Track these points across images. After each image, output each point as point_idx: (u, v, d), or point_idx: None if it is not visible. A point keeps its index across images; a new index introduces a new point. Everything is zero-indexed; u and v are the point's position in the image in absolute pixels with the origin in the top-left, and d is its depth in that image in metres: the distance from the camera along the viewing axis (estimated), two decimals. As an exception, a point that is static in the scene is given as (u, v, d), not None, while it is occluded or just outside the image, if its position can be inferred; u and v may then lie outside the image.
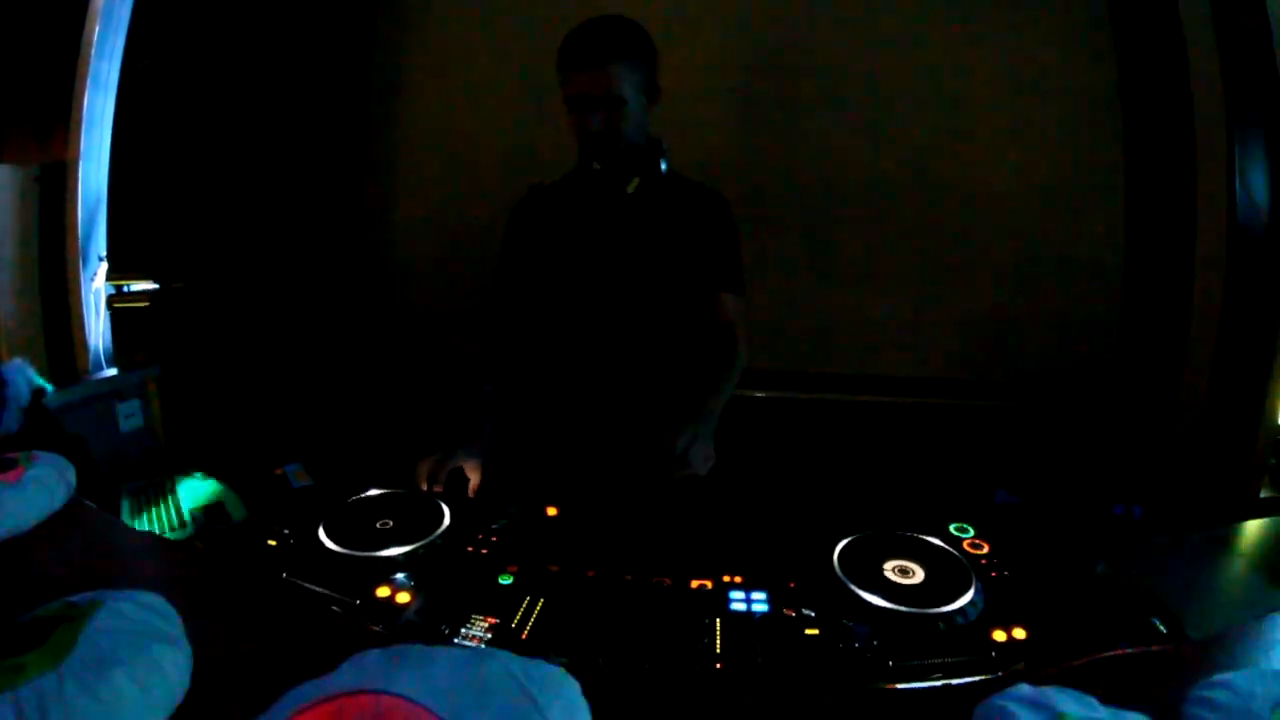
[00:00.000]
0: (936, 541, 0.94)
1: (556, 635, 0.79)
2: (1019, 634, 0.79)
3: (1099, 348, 2.15)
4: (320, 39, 2.28)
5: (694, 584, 0.88)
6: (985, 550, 0.96)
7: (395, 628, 0.79)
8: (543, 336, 1.51)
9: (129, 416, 1.52)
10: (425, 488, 1.16)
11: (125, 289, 1.92)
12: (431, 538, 0.96)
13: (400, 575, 0.89)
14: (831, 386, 2.23)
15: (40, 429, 1.21)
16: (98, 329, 1.89)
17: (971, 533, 1.00)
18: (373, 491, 1.08)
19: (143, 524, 1.15)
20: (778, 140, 2.19)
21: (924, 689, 0.70)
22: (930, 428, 2.17)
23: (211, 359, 2.03)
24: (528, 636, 0.79)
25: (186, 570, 0.82)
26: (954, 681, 0.72)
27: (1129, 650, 0.69)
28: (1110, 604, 0.85)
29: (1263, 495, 1.82)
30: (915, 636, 0.79)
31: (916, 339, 2.23)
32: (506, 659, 0.54)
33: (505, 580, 0.89)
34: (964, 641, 0.78)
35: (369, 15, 2.35)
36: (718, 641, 0.78)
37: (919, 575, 0.88)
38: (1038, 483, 2.00)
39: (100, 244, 1.92)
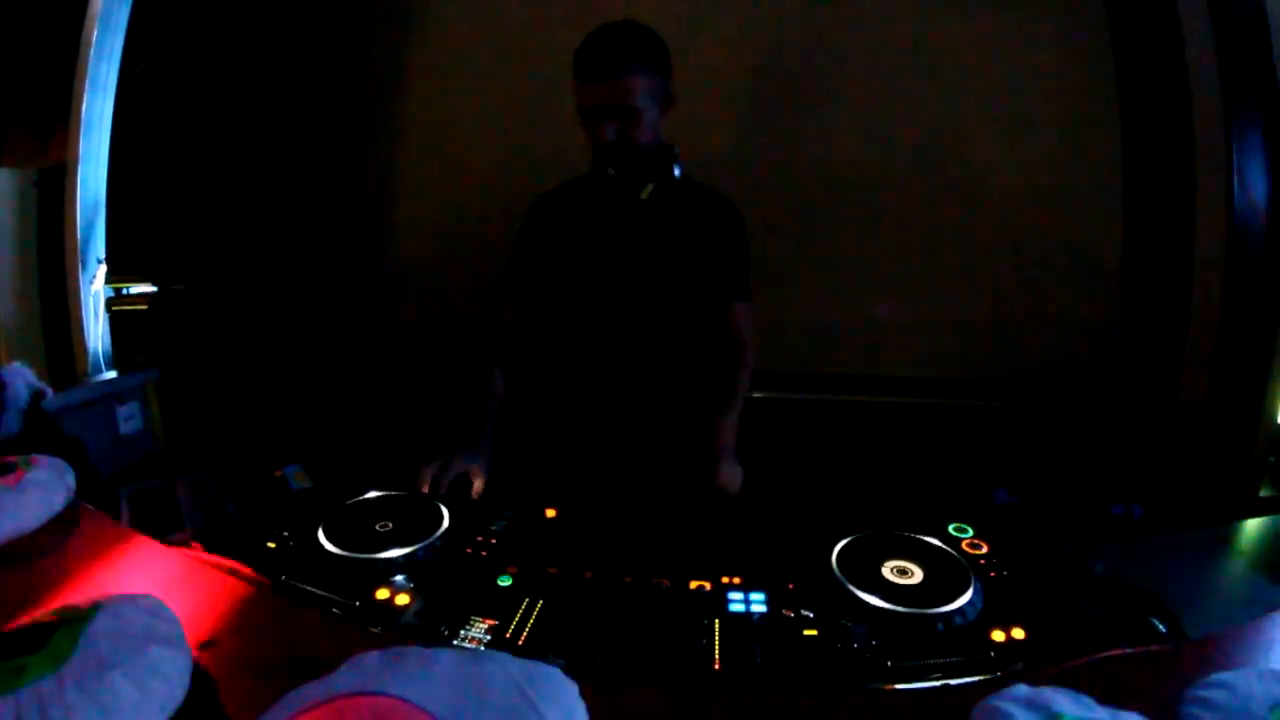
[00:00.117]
0: (935, 542, 0.95)
1: (555, 637, 0.79)
2: (1018, 634, 0.79)
3: (1098, 348, 2.15)
4: (319, 40, 2.28)
5: (693, 585, 0.88)
6: (984, 550, 0.96)
7: (395, 629, 0.80)
8: (555, 342, 1.51)
9: (128, 419, 1.52)
10: (427, 493, 1.16)
11: (124, 291, 1.92)
12: (431, 540, 0.96)
13: (399, 577, 0.89)
14: (831, 387, 2.23)
15: (39, 432, 1.21)
16: (97, 332, 1.89)
17: (970, 533, 1.00)
18: (372, 494, 1.08)
19: (142, 527, 1.15)
20: (778, 140, 2.19)
21: (923, 689, 0.70)
22: (930, 428, 2.17)
23: (211, 361, 2.03)
24: (527, 638, 0.79)
25: (185, 573, 0.82)
26: (952, 682, 0.72)
27: (1128, 650, 0.69)
28: (1109, 604, 0.85)
29: (1262, 494, 1.82)
30: (914, 637, 0.79)
31: (916, 339, 2.23)
32: (505, 660, 0.54)
33: (504, 582, 0.89)
34: (963, 642, 0.78)
35: (368, 16, 2.35)
36: (716, 643, 0.78)
37: (918, 576, 0.88)
38: (1037, 483, 2.00)
39: (99, 247, 1.92)
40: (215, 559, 0.84)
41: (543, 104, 2.20)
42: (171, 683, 0.57)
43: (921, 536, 0.96)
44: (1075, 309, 2.15)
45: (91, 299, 1.88)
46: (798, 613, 0.83)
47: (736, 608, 0.84)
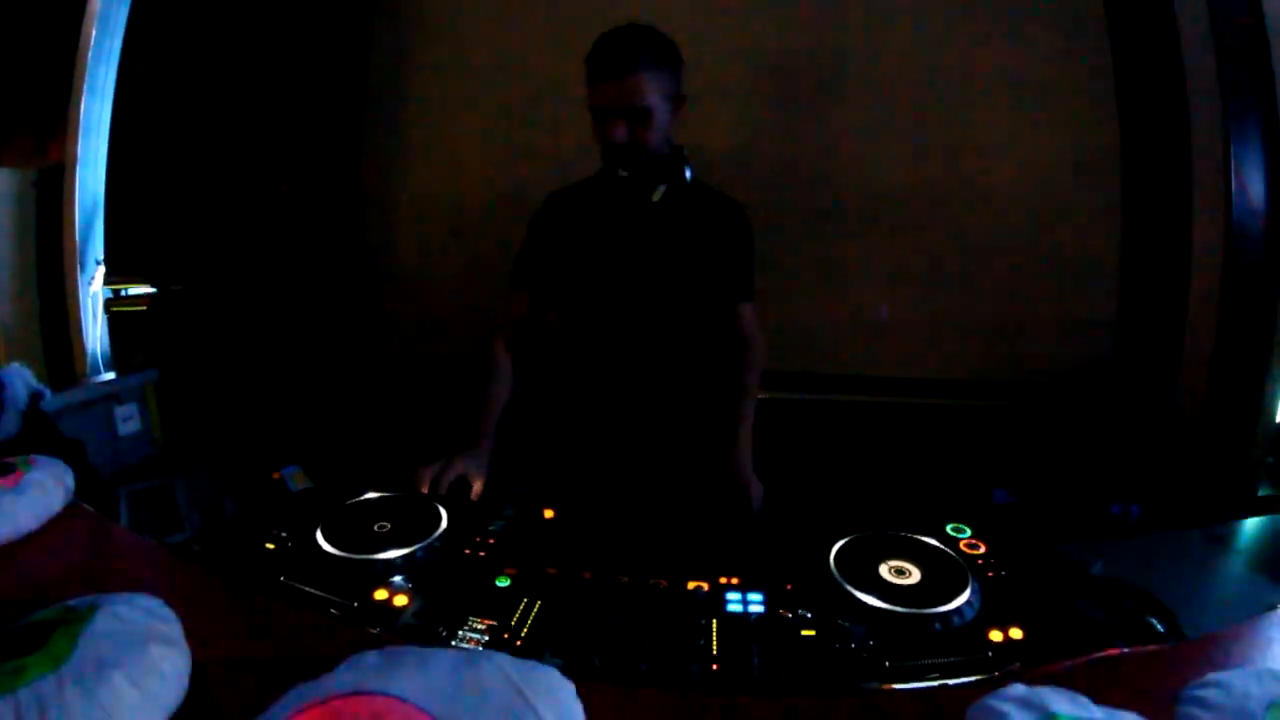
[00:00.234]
0: (933, 542, 0.95)
1: (553, 637, 0.79)
2: (1015, 634, 0.79)
3: (1098, 347, 2.15)
4: (318, 40, 2.28)
5: (690, 585, 0.88)
6: (982, 550, 0.96)
7: (393, 630, 0.79)
8: (564, 342, 1.51)
9: (127, 420, 1.52)
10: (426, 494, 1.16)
11: (123, 292, 1.93)
12: (429, 540, 0.96)
13: (398, 578, 0.89)
14: (831, 387, 2.23)
15: (38, 433, 1.21)
16: (95, 333, 1.89)
17: (968, 533, 1.00)
18: (370, 494, 1.08)
19: (140, 528, 1.15)
20: (778, 141, 2.20)
21: (920, 689, 0.70)
22: (930, 428, 2.17)
23: (210, 362, 2.03)
24: (525, 638, 0.79)
25: (184, 573, 0.82)
26: (950, 682, 0.72)
27: (1126, 650, 0.69)
28: (1107, 603, 0.85)
29: (1260, 494, 1.82)
30: (912, 637, 0.79)
31: (916, 339, 2.24)
32: (502, 661, 0.54)
33: (502, 582, 0.89)
34: (960, 642, 0.78)
35: (368, 15, 2.35)
36: (714, 643, 0.78)
37: (915, 576, 0.88)
38: (1036, 482, 2.00)
39: (98, 248, 1.92)
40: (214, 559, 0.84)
41: (543, 104, 2.20)
42: (171, 683, 0.57)
43: (919, 537, 0.96)
44: (1074, 309, 2.15)
45: (90, 300, 1.88)
46: (795, 613, 0.83)
47: (734, 608, 0.84)
